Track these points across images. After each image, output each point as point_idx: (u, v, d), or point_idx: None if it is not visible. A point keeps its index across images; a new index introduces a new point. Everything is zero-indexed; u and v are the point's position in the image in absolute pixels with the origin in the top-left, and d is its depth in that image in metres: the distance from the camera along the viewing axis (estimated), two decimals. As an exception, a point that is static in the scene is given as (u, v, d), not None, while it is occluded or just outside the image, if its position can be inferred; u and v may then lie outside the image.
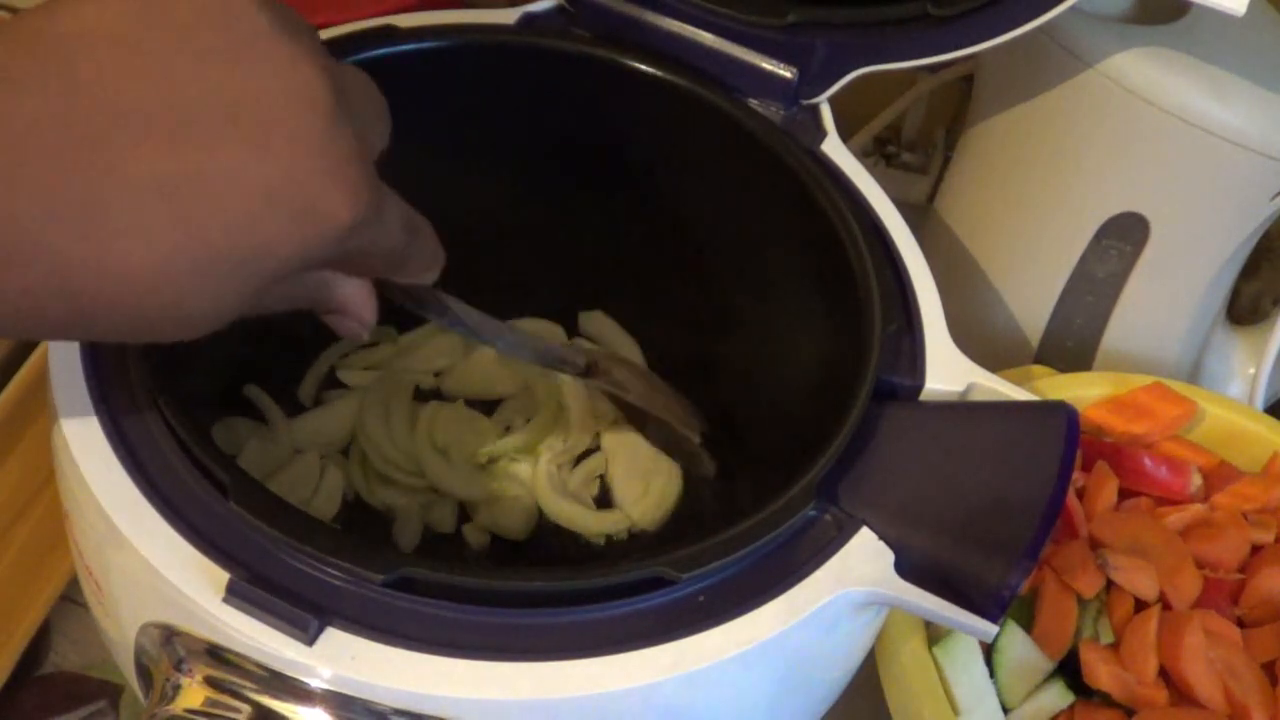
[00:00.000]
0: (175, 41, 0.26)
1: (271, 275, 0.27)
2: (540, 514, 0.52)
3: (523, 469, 0.53)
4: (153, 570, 0.33)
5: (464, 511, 0.52)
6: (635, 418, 0.54)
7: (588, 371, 0.49)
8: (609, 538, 0.52)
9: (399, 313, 0.56)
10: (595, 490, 0.54)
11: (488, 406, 0.56)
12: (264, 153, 0.26)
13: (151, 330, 0.27)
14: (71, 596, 0.52)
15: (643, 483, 0.53)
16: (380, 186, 0.29)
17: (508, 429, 0.54)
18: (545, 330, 0.58)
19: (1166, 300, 0.57)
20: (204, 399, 0.49)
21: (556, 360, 0.48)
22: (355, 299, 0.32)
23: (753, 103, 0.48)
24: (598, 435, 0.55)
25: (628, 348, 0.58)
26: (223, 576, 0.32)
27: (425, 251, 0.34)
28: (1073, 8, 0.44)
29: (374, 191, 0.28)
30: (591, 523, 0.52)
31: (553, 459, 0.53)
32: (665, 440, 0.53)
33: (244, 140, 0.26)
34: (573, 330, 0.58)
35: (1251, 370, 0.60)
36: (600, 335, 0.58)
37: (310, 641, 0.31)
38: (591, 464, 0.54)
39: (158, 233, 0.25)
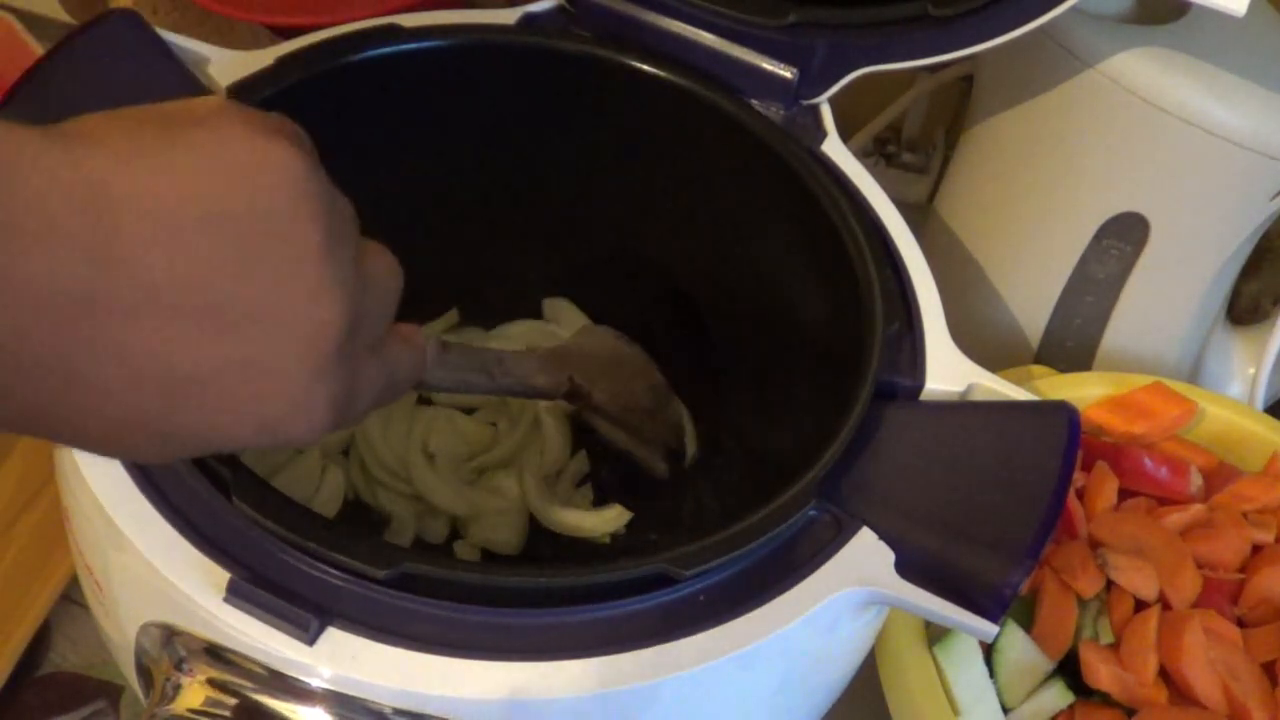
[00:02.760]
0: (228, 239, 0.25)
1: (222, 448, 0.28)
2: (532, 527, 0.52)
3: (509, 484, 0.53)
4: (153, 570, 0.33)
5: (456, 527, 0.52)
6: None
7: (569, 396, 0.49)
8: (605, 546, 0.52)
9: (398, 311, 0.56)
10: (591, 497, 0.53)
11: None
12: (264, 370, 0.27)
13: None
14: (71, 596, 0.52)
15: None
16: (349, 404, 0.30)
17: (494, 424, 0.54)
18: (535, 331, 0.57)
19: (1166, 300, 0.57)
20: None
21: (538, 395, 0.49)
22: None
23: (753, 103, 0.47)
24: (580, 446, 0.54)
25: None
26: (223, 576, 0.32)
27: (411, 373, 0.35)
28: (1073, 8, 0.44)
29: (336, 419, 0.29)
30: (594, 523, 0.51)
31: (534, 472, 0.52)
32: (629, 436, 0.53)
33: (255, 343, 0.26)
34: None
35: (1251, 370, 0.60)
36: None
37: (311, 641, 0.31)
38: (573, 468, 0.54)
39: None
